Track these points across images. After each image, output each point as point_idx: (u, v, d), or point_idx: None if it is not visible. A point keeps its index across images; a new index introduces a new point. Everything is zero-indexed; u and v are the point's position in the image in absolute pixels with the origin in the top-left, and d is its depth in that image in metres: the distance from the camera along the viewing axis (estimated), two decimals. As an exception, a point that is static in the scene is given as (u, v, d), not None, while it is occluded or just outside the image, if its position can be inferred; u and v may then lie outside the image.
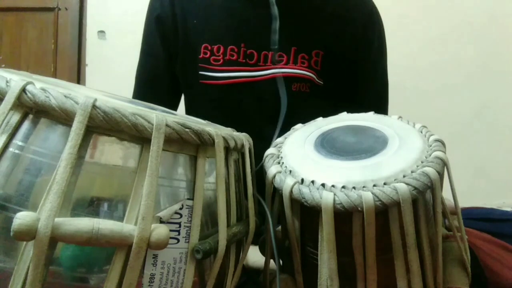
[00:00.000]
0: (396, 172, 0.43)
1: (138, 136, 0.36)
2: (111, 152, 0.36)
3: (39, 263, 0.31)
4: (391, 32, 0.90)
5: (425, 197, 0.44)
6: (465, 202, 0.58)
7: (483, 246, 0.58)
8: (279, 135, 0.57)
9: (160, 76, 0.86)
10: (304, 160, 0.48)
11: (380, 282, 0.44)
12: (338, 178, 0.44)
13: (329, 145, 0.50)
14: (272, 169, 0.48)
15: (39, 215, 0.31)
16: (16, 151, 0.35)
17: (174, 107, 0.90)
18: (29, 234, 0.31)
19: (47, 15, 2.08)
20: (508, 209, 0.74)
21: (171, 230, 0.36)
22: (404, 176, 0.43)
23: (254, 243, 0.51)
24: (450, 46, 1.85)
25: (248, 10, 0.79)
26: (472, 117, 1.84)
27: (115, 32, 2.00)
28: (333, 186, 0.43)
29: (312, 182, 0.44)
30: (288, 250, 0.49)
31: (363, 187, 0.42)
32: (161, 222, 0.37)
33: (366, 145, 0.48)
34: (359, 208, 0.41)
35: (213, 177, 0.42)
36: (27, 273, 0.32)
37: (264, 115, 0.79)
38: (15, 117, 0.35)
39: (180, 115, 0.52)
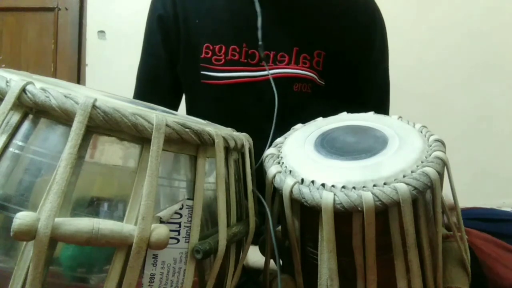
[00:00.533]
0: (396, 172, 0.43)
1: (138, 136, 0.36)
2: (111, 152, 0.36)
3: (39, 263, 0.31)
4: (392, 32, 0.90)
5: (425, 197, 0.44)
6: (465, 202, 0.58)
7: (483, 246, 0.58)
8: (275, 132, 0.57)
9: (161, 75, 0.86)
10: (304, 160, 0.48)
11: (380, 282, 0.44)
12: (338, 178, 0.44)
13: (329, 145, 0.50)
14: (272, 169, 0.48)
15: (39, 215, 0.31)
16: (16, 151, 0.35)
17: (175, 107, 0.90)
18: (29, 234, 0.31)
19: (47, 15, 2.08)
20: (508, 209, 0.74)
21: (171, 230, 0.36)
22: (404, 176, 0.43)
23: (254, 243, 0.51)
24: (451, 46, 1.85)
25: (249, 10, 0.79)
26: (472, 117, 1.84)
27: (115, 32, 2.00)
28: (333, 186, 0.43)
29: (312, 182, 0.44)
30: (288, 250, 0.49)
31: (363, 187, 0.42)
32: (161, 222, 0.37)
33: (366, 145, 0.48)
34: (359, 208, 0.41)
35: (213, 177, 0.42)
36: (27, 273, 0.32)
37: (265, 115, 0.79)
38: (15, 117, 0.35)
39: (180, 115, 0.52)
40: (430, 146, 0.47)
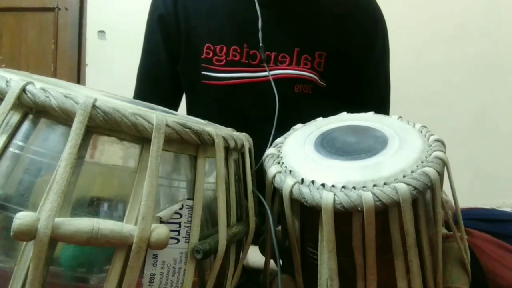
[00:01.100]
0: (396, 172, 0.43)
1: (138, 136, 0.36)
2: (111, 152, 0.36)
3: (39, 263, 0.31)
4: (392, 32, 0.90)
5: (425, 197, 0.44)
6: (465, 202, 0.58)
7: (483, 246, 0.58)
8: (275, 132, 0.57)
9: (161, 75, 0.86)
10: (304, 160, 0.48)
11: (380, 282, 0.44)
12: (338, 178, 0.44)
13: (329, 145, 0.50)
14: (272, 169, 0.48)
15: (39, 215, 0.31)
16: (16, 151, 0.35)
17: (175, 107, 0.90)
18: (29, 234, 0.31)
19: (47, 15, 2.08)
20: (508, 209, 0.74)
21: (171, 230, 0.36)
22: (404, 176, 0.43)
23: (254, 243, 0.51)
24: (450, 46, 1.85)
25: (251, 10, 0.79)
26: (472, 117, 1.84)
27: (115, 32, 2.00)
28: (333, 186, 0.43)
29: (312, 182, 0.44)
30: (288, 250, 0.49)
31: (363, 187, 0.42)
32: (161, 222, 0.37)
33: (366, 145, 0.48)
34: (359, 208, 0.41)
35: (213, 177, 0.42)
36: (27, 273, 0.32)
37: (265, 116, 0.78)
38: (15, 117, 0.35)
39: (180, 115, 0.52)
40: (430, 146, 0.47)
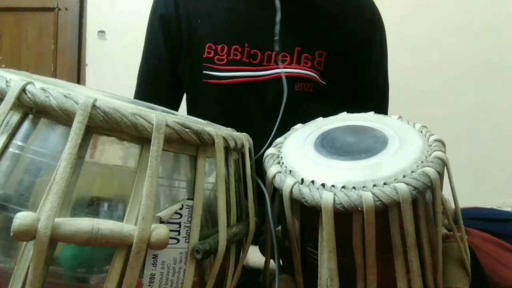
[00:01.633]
0: (396, 172, 0.43)
1: (138, 136, 0.36)
2: (111, 152, 0.36)
3: (39, 263, 0.31)
4: (392, 32, 0.90)
5: (425, 197, 0.44)
6: (465, 202, 0.58)
7: (483, 246, 0.58)
8: (277, 131, 0.57)
9: (162, 75, 0.86)
10: (304, 160, 0.48)
11: (380, 282, 0.44)
12: (338, 178, 0.44)
13: (329, 145, 0.50)
14: (272, 169, 0.48)
15: (39, 215, 0.31)
16: (16, 151, 0.35)
17: (176, 107, 0.90)
18: (29, 234, 0.31)
19: (47, 15, 2.08)
20: (508, 209, 0.74)
21: (171, 230, 0.36)
22: (404, 176, 0.43)
23: (254, 243, 0.51)
24: (450, 46, 1.85)
25: (252, 10, 0.80)
26: (472, 117, 1.84)
27: (115, 32, 2.00)
28: (333, 186, 0.43)
29: (312, 182, 0.44)
30: (288, 250, 0.49)
31: (363, 187, 0.42)
32: (161, 222, 0.37)
33: (366, 145, 0.48)
34: (359, 208, 0.41)
35: (213, 177, 0.42)
36: (27, 273, 0.32)
37: (267, 115, 0.79)
38: (15, 117, 0.35)
39: (180, 115, 0.52)
40: (430, 146, 0.47)
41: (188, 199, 0.39)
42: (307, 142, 0.52)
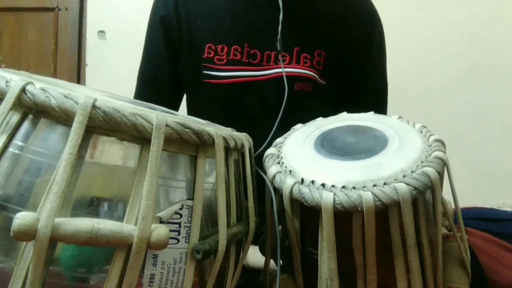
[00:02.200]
0: (396, 172, 0.43)
1: (138, 136, 0.36)
2: (111, 152, 0.36)
3: (39, 263, 0.31)
4: (391, 33, 0.90)
5: (425, 197, 0.44)
6: (465, 202, 0.58)
7: (483, 246, 0.58)
8: (277, 130, 0.57)
9: (162, 75, 0.86)
10: (304, 160, 0.48)
11: (380, 282, 0.44)
12: (338, 178, 0.44)
13: (329, 145, 0.50)
14: (272, 169, 0.48)
15: (39, 215, 0.31)
16: (16, 151, 0.35)
17: (176, 107, 0.90)
18: (29, 234, 0.31)
19: (47, 15, 2.08)
20: (508, 209, 0.74)
21: (171, 230, 0.36)
22: (404, 176, 0.43)
23: (254, 243, 0.51)
24: (450, 46, 1.85)
25: (252, 10, 0.80)
26: (472, 117, 1.83)
27: (115, 32, 2.00)
28: (333, 186, 0.43)
29: (312, 182, 0.44)
30: (288, 250, 0.49)
31: (363, 187, 0.42)
32: (161, 222, 0.37)
33: (366, 145, 0.48)
34: (359, 208, 0.41)
35: (213, 177, 0.42)
36: (27, 273, 0.32)
37: (267, 114, 0.79)
38: (15, 117, 0.35)
39: (180, 115, 0.52)
40: (430, 146, 0.47)
41: (188, 199, 0.39)
42: (307, 142, 0.52)
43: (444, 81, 1.85)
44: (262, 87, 0.79)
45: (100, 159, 0.36)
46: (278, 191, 0.47)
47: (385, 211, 0.41)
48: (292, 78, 0.79)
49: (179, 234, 0.38)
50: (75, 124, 0.34)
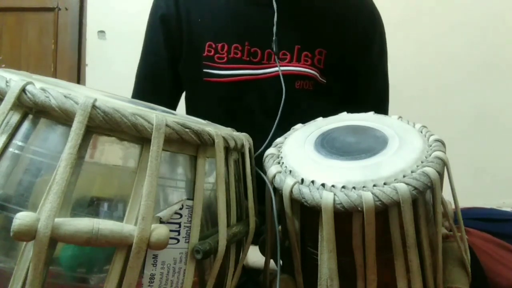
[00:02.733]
0: (396, 172, 0.43)
1: (138, 136, 0.36)
2: (111, 152, 0.36)
3: (39, 263, 0.31)
4: (391, 33, 0.90)
5: (425, 197, 0.44)
6: (465, 202, 0.58)
7: (483, 246, 0.58)
8: (277, 129, 0.57)
9: (161, 74, 0.86)
10: (304, 160, 0.48)
11: (380, 282, 0.44)
12: (338, 178, 0.44)
13: (329, 145, 0.50)
14: (272, 169, 0.48)
15: (39, 216, 0.31)
16: (16, 151, 0.35)
17: (174, 106, 0.90)
18: (29, 234, 0.31)
19: (47, 15, 2.08)
20: (508, 209, 0.74)
21: (171, 230, 0.36)
22: (404, 176, 0.43)
23: (254, 243, 0.51)
24: (450, 46, 1.85)
25: (251, 9, 0.80)
26: (472, 117, 1.83)
27: (115, 32, 2.00)
28: (333, 186, 0.43)
29: (312, 182, 0.44)
30: (288, 250, 0.49)
31: (363, 187, 0.42)
32: (161, 222, 0.37)
33: (366, 145, 0.48)
34: (359, 208, 0.41)
35: (213, 177, 0.42)
36: (27, 273, 0.32)
37: (267, 113, 0.79)
38: (15, 117, 0.35)
39: (180, 115, 0.52)
40: (430, 146, 0.47)
41: (188, 199, 0.39)
42: (307, 142, 0.52)
43: (444, 81, 1.85)
44: (263, 86, 0.79)
45: (100, 159, 0.36)
46: (278, 191, 0.47)
47: (385, 211, 0.41)
48: (292, 76, 0.79)
49: (179, 234, 0.38)
50: (75, 124, 0.34)
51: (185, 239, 0.38)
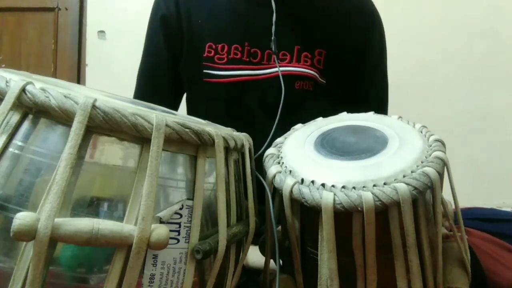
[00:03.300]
0: (396, 172, 0.43)
1: (138, 136, 0.36)
2: (111, 152, 0.36)
3: (39, 263, 0.31)
4: (391, 33, 0.90)
5: (425, 197, 0.44)
6: (465, 202, 0.58)
7: (483, 246, 0.58)
8: (277, 129, 0.57)
9: (162, 75, 0.86)
10: (304, 160, 0.48)
11: (380, 282, 0.44)
12: (338, 178, 0.44)
13: (329, 145, 0.50)
14: (272, 169, 0.48)
15: (39, 216, 0.31)
16: (16, 151, 0.35)
17: (175, 107, 0.90)
18: (29, 234, 0.31)
19: (47, 15, 2.08)
20: (508, 209, 0.74)
21: (171, 230, 0.36)
22: (404, 176, 0.43)
23: (254, 243, 0.51)
24: (450, 46, 1.85)
25: (251, 9, 0.80)
26: (472, 117, 1.83)
27: (115, 32, 2.00)
28: (333, 186, 0.43)
29: (312, 182, 0.44)
30: (288, 250, 0.49)
31: (363, 187, 0.42)
32: (161, 222, 0.37)
33: (366, 145, 0.48)
34: (359, 208, 0.41)
35: (213, 177, 0.42)
36: (27, 273, 0.32)
37: (267, 113, 0.79)
38: (15, 117, 0.35)
39: (180, 115, 0.52)
40: (430, 146, 0.47)
41: (188, 199, 0.39)
42: (307, 142, 0.52)
43: (444, 81, 1.85)
44: (263, 86, 0.79)
45: (100, 159, 0.36)
46: (278, 191, 0.47)
47: (385, 211, 0.41)
48: (292, 77, 0.79)
49: (179, 234, 0.38)
50: (75, 124, 0.33)
51: (185, 239, 0.38)
